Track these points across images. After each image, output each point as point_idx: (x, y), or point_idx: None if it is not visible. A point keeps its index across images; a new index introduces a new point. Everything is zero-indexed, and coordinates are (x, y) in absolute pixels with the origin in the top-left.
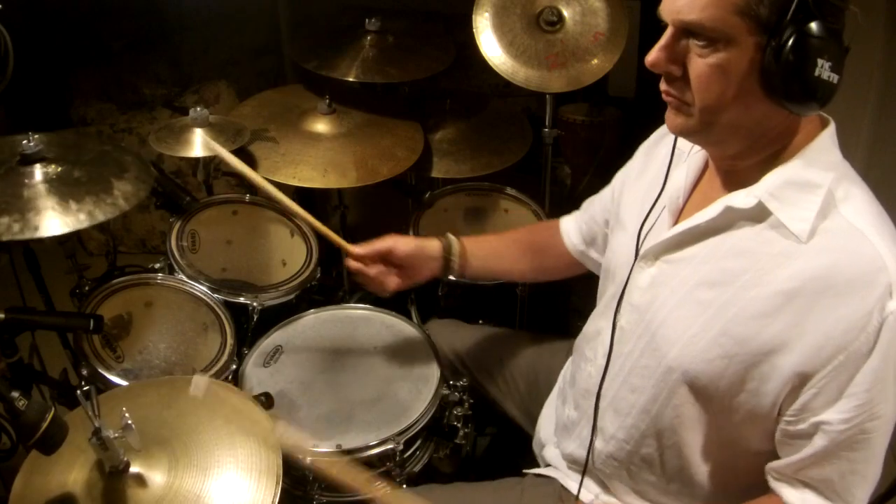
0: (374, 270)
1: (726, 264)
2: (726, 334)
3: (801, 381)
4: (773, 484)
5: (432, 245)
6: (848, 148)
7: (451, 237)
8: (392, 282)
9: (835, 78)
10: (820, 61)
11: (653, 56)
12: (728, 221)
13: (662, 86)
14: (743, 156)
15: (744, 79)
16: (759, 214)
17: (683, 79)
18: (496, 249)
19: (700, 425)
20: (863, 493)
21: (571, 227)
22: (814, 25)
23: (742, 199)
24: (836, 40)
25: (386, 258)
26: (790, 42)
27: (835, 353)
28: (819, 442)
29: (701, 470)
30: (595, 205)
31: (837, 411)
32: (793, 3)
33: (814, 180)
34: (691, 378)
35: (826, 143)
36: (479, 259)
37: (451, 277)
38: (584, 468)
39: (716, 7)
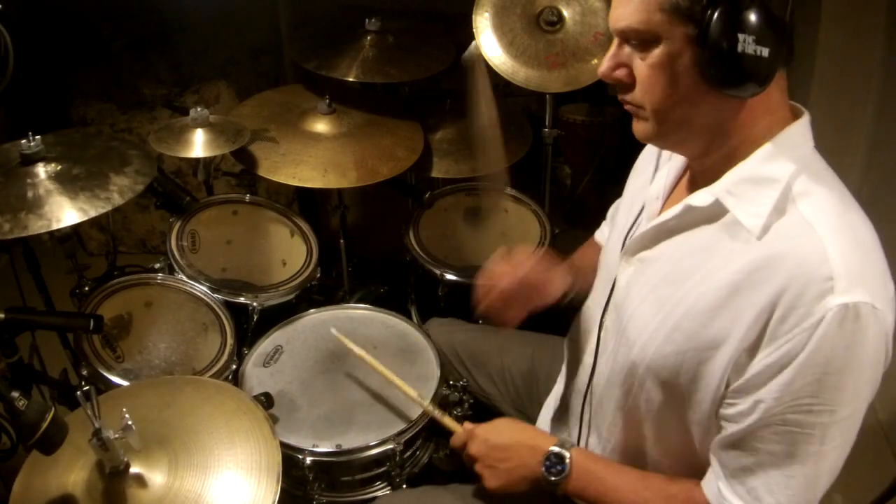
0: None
1: (685, 262)
2: (678, 329)
3: (737, 368)
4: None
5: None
6: (848, 148)
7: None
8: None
9: (763, 51)
10: (741, 36)
11: (602, 67)
12: (690, 220)
13: (619, 96)
14: (706, 153)
15: (684, 74)
16: (717, 212)
17: (634, 85)
18: (582, 271)
19: (671, 422)
20: (785, 498)
21: (602, 238)
22: (730, 3)
23: (701, 197)
24: (758, 13)
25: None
26: (710, 25)
27: (770, 342)
28: (748, 419)
29: (681, 469)
30: (616, 209)
31: (768, 392)
32: None
33: (772, 175)
34: (654, 374)
35: (793, 137)
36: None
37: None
38: None
39: (642, 11)
